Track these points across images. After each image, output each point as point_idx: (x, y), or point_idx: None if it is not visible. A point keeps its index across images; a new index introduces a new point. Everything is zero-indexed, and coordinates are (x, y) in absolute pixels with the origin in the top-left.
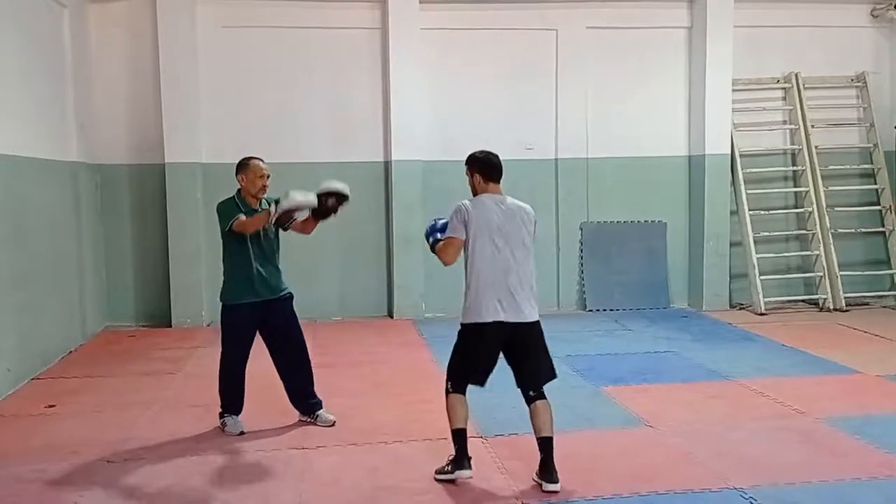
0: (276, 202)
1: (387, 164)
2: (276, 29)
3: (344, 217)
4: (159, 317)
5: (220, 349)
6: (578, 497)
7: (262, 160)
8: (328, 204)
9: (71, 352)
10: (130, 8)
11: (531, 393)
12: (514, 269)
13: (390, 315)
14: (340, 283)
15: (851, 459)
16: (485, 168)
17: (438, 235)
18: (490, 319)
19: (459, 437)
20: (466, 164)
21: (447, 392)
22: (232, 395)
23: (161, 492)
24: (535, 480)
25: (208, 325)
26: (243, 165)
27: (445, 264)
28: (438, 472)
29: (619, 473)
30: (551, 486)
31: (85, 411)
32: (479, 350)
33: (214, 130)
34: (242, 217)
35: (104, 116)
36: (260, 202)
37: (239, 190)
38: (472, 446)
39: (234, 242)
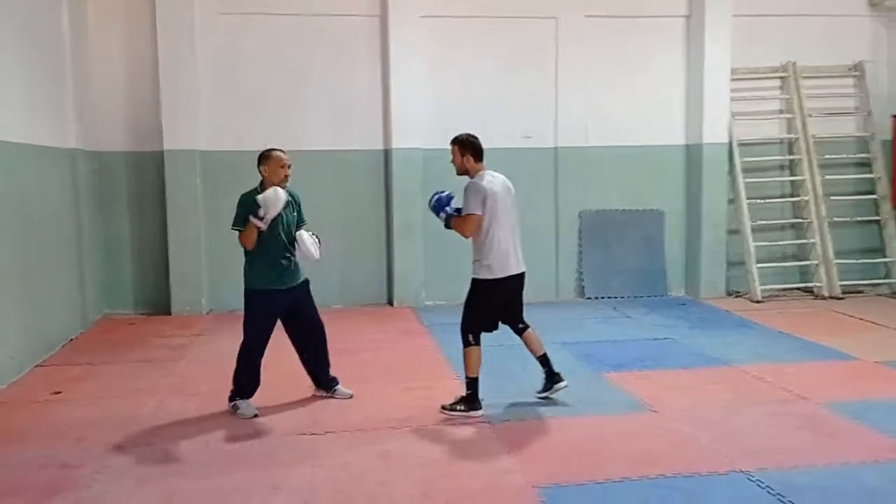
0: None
1: (387, 153)
2: (275, 16)
3: (344, 205)
4: (158, 305)
5: (223, 337)
6: (588, 480)
7: (283, 151)
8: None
9: (72, 339)
10: None
11: (521, 325)
12: (516, 230)
13: (390, 303)
14: (341, 272)
15: (854, 443)
16: (476, 150)
17: (449, 210)
18: (513, 272)
19: (475, 383)
20: (455, 144)
21: (469, 345)
22: (251, 380)
23: (171, 476)
24: (544, 395)
25: (208, 314)
26: (265, 157)
27: (466, 237)
28: (447, 408)
29: (626, 457)
30: (562, 384)
31: (90, 398)
32: (499, 300)
33: (213, 117)
34: (242, 232)
35: (102, 103)
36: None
37: (262, 181)
38: (481, 431)
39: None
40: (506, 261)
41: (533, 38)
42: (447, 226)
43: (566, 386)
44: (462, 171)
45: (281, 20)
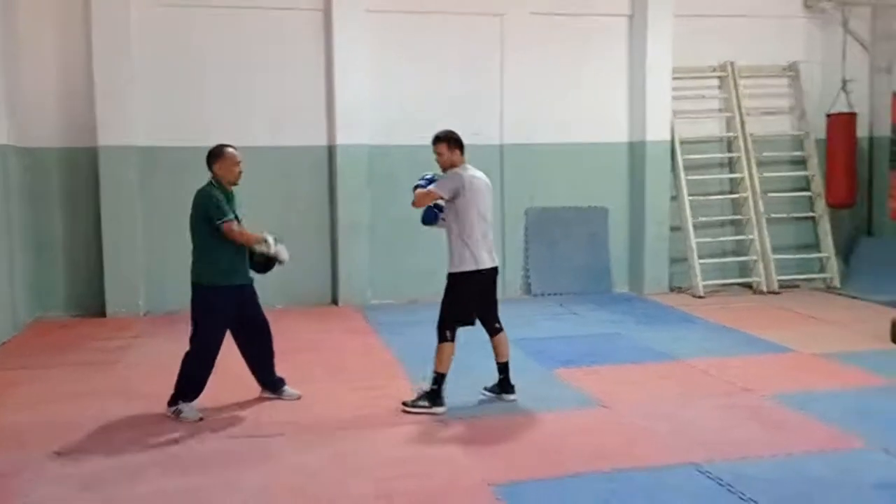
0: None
1: (331, 149)
2: (216, 8)
3: (285, 202)
4: (92, 306)
5: (161, 339)
6: (546, 475)
7: (235, 147)
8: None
9: (3, 343)
10: None
11: (496, 325)
12: (490, 225)
13: (335, 302)
14: (282, 271)
15: (799, 434)
16: (461, 144)
17: (423, 183)
18: (488, 266)
19: (442, 379)
20: (443, 141)
21: (445, 340)
22: (201, 382)
23: (116, 482)
24: (488, 394)
25: (145, 315)
26: (218, 154)
27: (414, 206)
28: (408, 405)
29: (581, 452)
30: (511, 397)
31: (28, 403)
32: (475, 292)
33: (151, 112)
34: (235, 225)
35: (34, 98)
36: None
37: (212, 178)
38: (435, 430)
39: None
40: (480, 254)
41: (479, 35)
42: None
43: (514, 400)
44: (449, 166)
45: (222, 13)
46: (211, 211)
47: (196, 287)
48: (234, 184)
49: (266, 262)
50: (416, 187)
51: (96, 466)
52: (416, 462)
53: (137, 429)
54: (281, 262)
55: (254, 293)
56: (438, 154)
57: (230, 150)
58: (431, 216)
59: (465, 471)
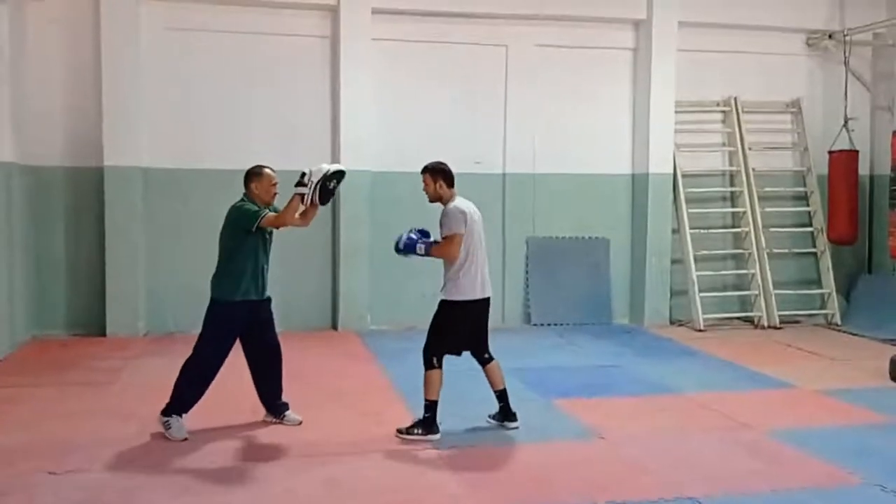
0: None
1: None
2: (224, 33)
3: (288, 227)
4: (92, 326)
5: (160, 360)
6: None
7: (272, 168)
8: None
9: (0, 360)
10: (71, 5)
11: (486, 356)
12: (485, 255)
13: (334, 327)
14: (282, 295)
15: (797, 469)
16: (447, 176)
17: (428, 241)
18: (480, 296)
19: (434, 406)
20: (427, 172)
21: (432, 367)
22: (195, 395)
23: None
24: (491, 422)
25: (145, 336)
26: (256, 174)
27: (453, 259)
28: (403, 431)
29: (577, 484)
30: (513, 425)
31: (22, 421)
32: (467, 322)
33: (157, 134)
34: (270, 214)
35: (40, 116)
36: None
37: (247, 197)
38: (429, 457)
39: (247, 239)
40: (476, 284)
41: (484, 65)
42: (427, 253)
43: (516, 427)
44: (435, 198)
45: (230, 38)
46: (248, 216)
47: (212, 302)
48: (270, 204)
49: (323, 191)
50: (414, 245)
51: (89, 488)
52: (408, 490)
53: (131, 450)
54: (330, 180)
55: (269, 312)
56: (424, 184)
57: (268, 170)
58: (412, 244)
59: (457, 500)
